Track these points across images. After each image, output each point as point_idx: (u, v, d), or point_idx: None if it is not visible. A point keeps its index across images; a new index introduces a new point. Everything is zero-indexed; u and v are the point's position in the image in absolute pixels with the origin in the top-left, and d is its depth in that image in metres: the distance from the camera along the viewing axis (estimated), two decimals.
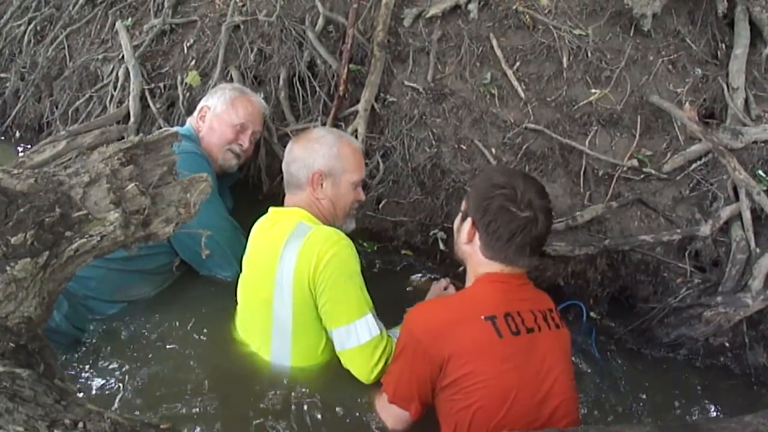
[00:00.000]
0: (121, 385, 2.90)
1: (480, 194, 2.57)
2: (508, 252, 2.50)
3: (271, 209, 3.02)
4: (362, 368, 2.73)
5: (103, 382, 2.93)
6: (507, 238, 2.48)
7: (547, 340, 2.50)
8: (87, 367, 3.02)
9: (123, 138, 2.20)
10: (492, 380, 2.36)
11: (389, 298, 3.42)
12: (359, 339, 2.70)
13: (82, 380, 2.94)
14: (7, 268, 1.71)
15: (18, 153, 4.87)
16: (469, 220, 2.60)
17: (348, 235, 2.81)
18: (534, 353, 2.44)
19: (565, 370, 2.52)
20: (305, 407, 2.76)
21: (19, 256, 1.74)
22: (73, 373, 2.97)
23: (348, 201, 3.06)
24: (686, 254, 3.52)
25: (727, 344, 3.40)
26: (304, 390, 2.81)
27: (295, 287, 2.74)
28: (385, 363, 2.69)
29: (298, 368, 2.87)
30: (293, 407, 2.76)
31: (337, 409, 2.75)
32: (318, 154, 2.97)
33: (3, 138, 5.12)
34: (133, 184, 2.00)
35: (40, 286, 1.81)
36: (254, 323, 2.97)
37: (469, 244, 2.62)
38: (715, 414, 3.19)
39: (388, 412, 2.61)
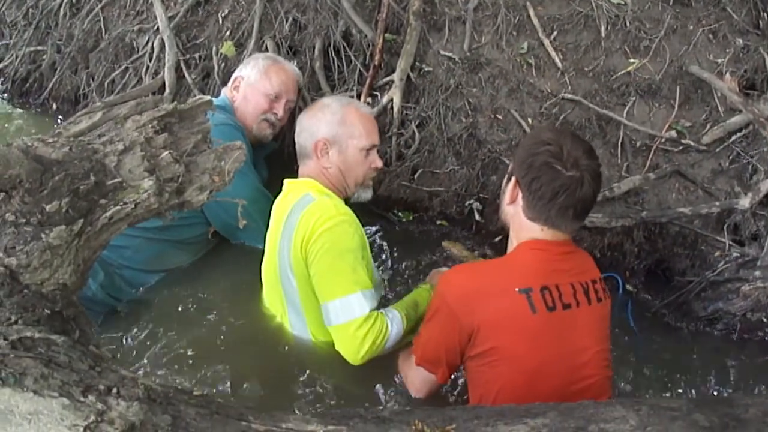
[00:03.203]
0: (155, 352, 2.94)
1: (525, 151, 2.40)
2: (550, 213, 2.33)
3: (285, 181, 3.01)
4: (346, 347, 2.67)
5: (138, 349, 2.97)
6: (549, 197, 2.30)
7: (584, 316, 2.37)
8: (122, 335, 3.06)
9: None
10: (520, 357, 2.28)
11: (423, 268, 3.42)
12: (341, 317, 2.65)
13: (117, 348, 2.98)
14: (42, 235, 1.71)
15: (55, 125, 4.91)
16: (513, 179, 2.44)
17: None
18: (568, 331, 2.33)
19: (601, 349, 2.42)
20: (327, 380, 2.79)
21: (54, 223, 1.74)
22: (108, 340, 3.00)
23: (361, 169, 3.01)
24: (725, 227, 3.48)
25: (764, 319, 3.37)
26: (324, 362, 2.83)
27: (293, 260, 2.73)
28: (372, 343, 2.62)
29: (318, 340, 2.87)
30: (317, 379, 2.79)
31: (356, 382, 2.78)
32: (322, 122, 2.95)
33: (40, 110, 5.16)
34: (167, 152, 2.00)
35: (75, 253, 1.81)
36: (274, 297, 2.99)
37: (512, 204, 2.46)
38: (751, 389, 3.16)
39: (415, 373, 2.59)
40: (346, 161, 2.96)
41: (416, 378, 2.61)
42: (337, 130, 2.93)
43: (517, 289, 2.29)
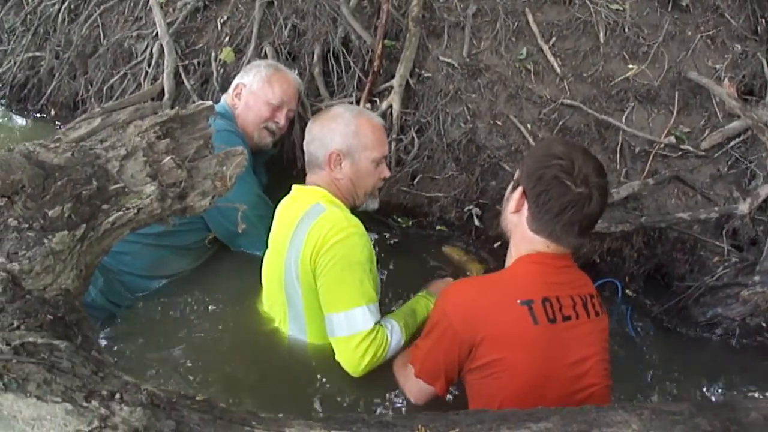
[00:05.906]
0: (156, 358, 2.93)
1: (535, 162, 2.39)
2: (556, 227, 2.33)
3: (294, 187, 3.00)
4: (347, 360, 2.69)
5: (139, 355, 2.96)
6: (557, 212, 2.30)
7: (584, 328, 2.38)
8: (122, 340, 3.06)
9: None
10: (522, 368, 2.28)
11: (422, 273, 3.42)
12: (345, 329, 2.67)
13: (118, 353, 2.97)
14: (45, 240, 1.71)
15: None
16: (519, 188, 2.43)
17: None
18: (569, 342, 2.34)
19: (601, 359, 2.42)
20: (328, 384, 2.79)
21: (57, 228, 1.74)
22: (108, 345, 3.00)
23: (371, 180, 2.99)
24: (723, 233, 3.49)
25: (764, 324, 3.36)
26: (325, 367, 2.82)
27: (301, 269, 2.73)
28: (373, 356, 2.65)
29: (315, 344, 2.87)
30: (319, 384, 2.79)
31: (358, 387, 2.76)
32: (335, 133, 2.90)
33: (38, 116, 5.15)
34: (169, 158, 2.00)
35: (77, 258, 1.81)
36: (275, 302, 2.98)
37: (516, 213, 2.44)
38: (750, 393, 3.16)
39: (414, 384, 2.57)
40: (358, 172, 2.93)
41: (414, 388, 2.59)
42: (351, 141, 2.90)
43: (518, 301, 2.30)
